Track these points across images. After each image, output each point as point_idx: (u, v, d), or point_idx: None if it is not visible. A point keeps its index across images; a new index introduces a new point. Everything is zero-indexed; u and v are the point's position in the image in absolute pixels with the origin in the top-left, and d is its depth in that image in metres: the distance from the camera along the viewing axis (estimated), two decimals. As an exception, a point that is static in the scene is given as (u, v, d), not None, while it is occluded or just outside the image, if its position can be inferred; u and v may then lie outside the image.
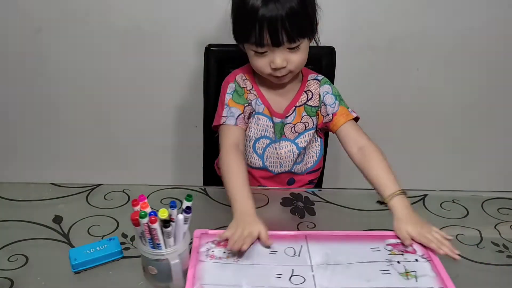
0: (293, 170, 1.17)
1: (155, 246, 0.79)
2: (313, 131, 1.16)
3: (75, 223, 0.97)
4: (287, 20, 0.96)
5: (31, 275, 0.84)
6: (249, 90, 1.14)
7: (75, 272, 0.85)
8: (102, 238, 0.93)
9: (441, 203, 1.09)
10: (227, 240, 0.87)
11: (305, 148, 1.16)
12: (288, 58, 1.02)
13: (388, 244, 0.91)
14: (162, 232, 0.78)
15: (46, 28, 1.62)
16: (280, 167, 1.16)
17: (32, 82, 1.72)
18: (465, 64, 1.71)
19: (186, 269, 0.83)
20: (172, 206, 0.78)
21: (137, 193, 1.05)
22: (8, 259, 0.87)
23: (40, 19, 1.61)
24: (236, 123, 1.10)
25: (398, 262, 0.86)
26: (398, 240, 0.91)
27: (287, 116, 1.14)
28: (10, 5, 1.59)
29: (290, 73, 1.06)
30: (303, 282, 0.81)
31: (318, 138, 1.19)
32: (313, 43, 1.08)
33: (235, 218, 0.91)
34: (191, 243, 0.86)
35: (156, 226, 0.76)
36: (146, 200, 0.78)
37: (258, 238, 0.89)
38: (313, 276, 0.82)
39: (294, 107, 1.14)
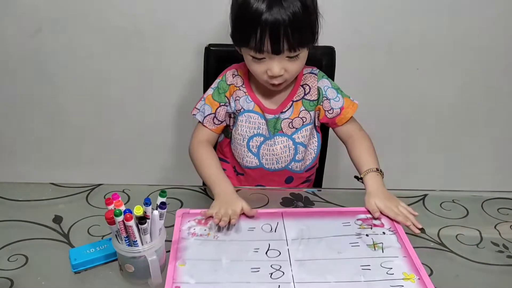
0: (290, 167, 1.17)
1: (132, 243, 0.79)
2: (310, 126, 1.15)
3: (75, 223, 0.97)
4: (289, 27, 0.94)
5: (31, 275, 0.84)
6: (238, 86, 1.13)
7: (75, 272, 0.85)
8: (102, 238, 0.93)
9: (441, 203, 1.09)
10: (210, 217, 0.95)
11: (305, 146, 1.16)
12: (286, 67, 1.01)
13: (358, 219, 0.98)
14: (138, 229, 0.78)
15: (46, 28, 1.62)
16: (276, 164, 1.15)
17: (32, 82, 1.72)
18: (465, 64, 1.71)
19: (163, 265, 0.84)
20: (147, 203, 0.79)
21: (137, 193, 1.06)
22: (8, 259, 0.87)
23: (40, 19, 1.61)
24: (203, 122, 1.13)
25: (367, 235, 0.93)
26: (368, 215, 0.99)
27: (284, 111, 1.13)
28: (10, 5, 1.59)
29: (285, 81, 1.05)
30: (279, 255, 0.87)
31: (316, 134, 1.19)
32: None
33: (217, 199, 0.98)
34: (169, 240, 0.88)
35: (132, 223, 0.77)
36: (120, 198, 0.79)
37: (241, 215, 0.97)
38: (288, 250, 0.88)
39: (291, 102, 1.13)
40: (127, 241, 0.79)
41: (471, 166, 1.93)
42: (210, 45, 1.29)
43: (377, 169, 1.05)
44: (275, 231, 0.93)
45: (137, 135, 1.82)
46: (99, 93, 1.74)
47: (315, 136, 1.18)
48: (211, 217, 0.94)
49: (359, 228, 0.95)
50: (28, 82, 1.72)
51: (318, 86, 1.14)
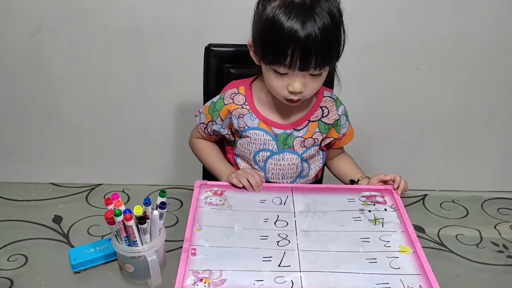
0: (296, 183, 1.15)
1: (131, 243, 0.79)
2: (317, 147, 1.15)
3: (75, 223, 0.98)
4: (320, 44, 0.94)
5: (31, 275, 0.84)
6: (240, 104, 1.11)
7: (75, 272, 0.85)
8: (101, 238, 0.93)
9: (441, 203, 1.09)
10: (222, 190, 1.03)
11: (309, 164, 1.16)
12: (307, 84, 1.00)
13: (362, 196, 1.03)
14: (138, 229, 0.79)
15: (46, 28, 1.62)
16: (282, 179, 1.14)
17: (32, 82, 1.72)
18: (465, 63, 1.71)
19: (162, 265, 0.84)
20: (147, 203, 0.79)
21: (137, 193, 1.06)
22: (8, 259, 0.87)
23: (40, 19, 1.61)
24: (198, 127, 1.18)
25: (369, 211, 0.99)
26: (372, 193, 1.04)
27: (299, 129, 1.11)
28: (10, 5, 1.59)
29: (303, 98, 1.04)
30: (286, 225, 0.93)
31: (321, 152, 1.19)
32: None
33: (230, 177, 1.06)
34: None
35: (132, 223, 0.77)
36: (119, 198, 0.79)
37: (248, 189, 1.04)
38: (295, 221, 0.95)
39: (307, 121, 1.12)
40: (126, 241, 0.79)
41: (471, 166, 1.93)
42: (210, 45, 1.29)
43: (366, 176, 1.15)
44: (284, 204, 1.00)
45: (137, 135, 1.82)
46: (99, 93, 1.74)
47: (320, 154, 1.18)
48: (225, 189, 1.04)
49: (363, 204, 1.01)
50: (28, 82, 1.72)
51: (338, 114, 1.15)
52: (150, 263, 0.79)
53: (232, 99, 1.11)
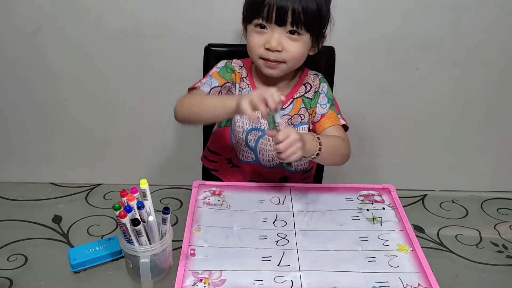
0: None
1: (129, 241, 0.79)
2: (307, 125, 1.15)
3: (75, 223, 0.98)
4: (296, 2, 0.97)
5: (31, 275, 0.84)
6: (242, 78, 1.13)
7: (75, 272, 0.85)
8: (101, 238, 0.93)
9: (441, 203, 1.09)
10: (221, 190, 1.01)
11: None
12: (284, 45, 1.01)
13: (360, 195, 1.04)
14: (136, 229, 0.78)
15: (46, 28, 1.62)
16: (272, 161, 1.15)
17: (31, 81, 1.72)
18: (465, 63, 1.71)
19: (168, 267, 0.84)
20: (139, 207, 0.78)
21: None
22: (8, 259, 0.87)
23: (40, 19, 1.61)
24: (210, 92, 1.08)
25: (368, 210, 0.99)
26: (370, 192, 1.05)
27: (284, 108, 1.13)
28: (10, 5, 1.59)
29: (284, 65, 1.04)
30: (285, 225, 0.94)
31: None
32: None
33: (242, 99, 0.89)
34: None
35: (125, 221, 0.77)
36: (135, 195, 0.79)
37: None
38: (294, 220, 0.95)
39: (292, 99, 1.13)
40: (125, 237, 0.79)
41: (471, 166, 1.92)
42: (210, 45, 1.29)
43: (318, 140, 0.98)
44: (282, 204, 1.00)
45: (137, 135, 1.82)
46: (99, 93, 1.74)
47: None
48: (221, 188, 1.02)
49: (361, 203, 1.01)
50: (27, 82, 1.72)
51: (317, 87, 1.14)
52: (141, 265, 0.78)
53: (239, 69, 1.13)
